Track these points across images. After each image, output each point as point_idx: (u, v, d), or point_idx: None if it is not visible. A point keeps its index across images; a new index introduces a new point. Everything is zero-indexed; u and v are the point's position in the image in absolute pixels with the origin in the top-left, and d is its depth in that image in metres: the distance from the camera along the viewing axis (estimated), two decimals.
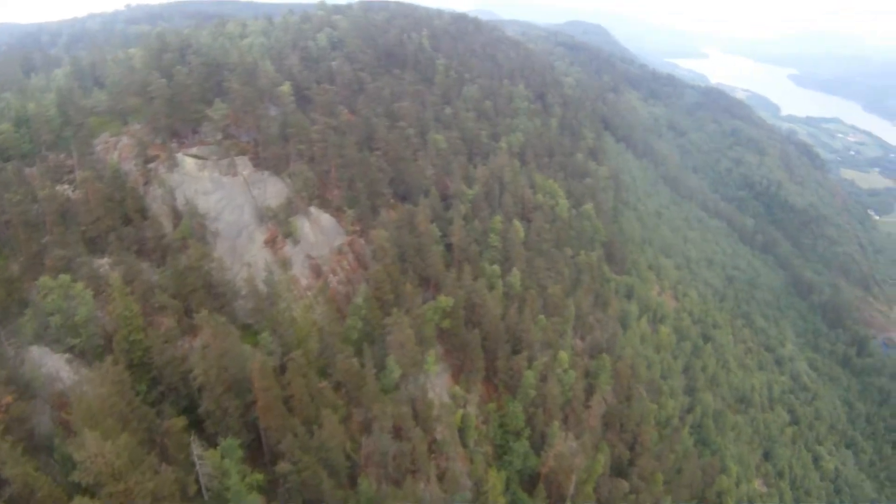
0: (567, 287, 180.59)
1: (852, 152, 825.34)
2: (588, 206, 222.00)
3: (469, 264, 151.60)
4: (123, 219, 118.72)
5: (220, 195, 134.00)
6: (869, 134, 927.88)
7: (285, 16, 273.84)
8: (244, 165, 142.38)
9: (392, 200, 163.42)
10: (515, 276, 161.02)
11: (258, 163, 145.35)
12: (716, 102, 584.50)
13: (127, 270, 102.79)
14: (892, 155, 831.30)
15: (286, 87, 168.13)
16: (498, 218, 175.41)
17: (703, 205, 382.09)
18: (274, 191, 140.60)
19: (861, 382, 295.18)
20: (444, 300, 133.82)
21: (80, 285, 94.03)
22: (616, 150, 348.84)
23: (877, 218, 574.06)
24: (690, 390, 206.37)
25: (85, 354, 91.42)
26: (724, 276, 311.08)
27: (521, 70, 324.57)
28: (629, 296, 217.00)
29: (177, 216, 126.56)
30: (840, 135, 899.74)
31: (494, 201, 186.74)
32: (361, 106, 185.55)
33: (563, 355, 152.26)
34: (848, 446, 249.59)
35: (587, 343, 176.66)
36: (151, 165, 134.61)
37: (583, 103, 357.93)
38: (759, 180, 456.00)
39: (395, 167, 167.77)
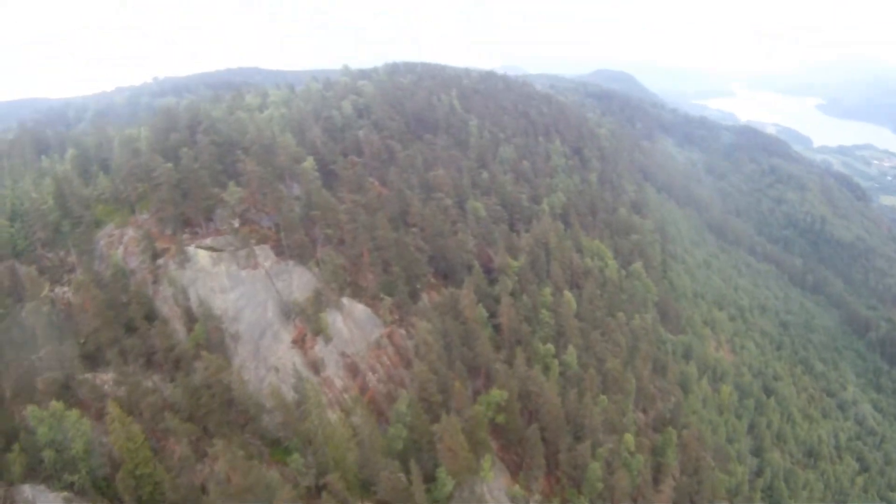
0: (625, 356, 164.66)
1: (889, 178, 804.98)
2: (637, 265, 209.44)
3: (521, 346, 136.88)
4: (128, 326, 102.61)
5: (239, 292, 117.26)
6: None
7: (309, 83, 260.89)
8: (265, 255, 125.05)
9: (433, 280, 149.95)
10: (571, 355, 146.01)
11: (281, 251, 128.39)
12: (751, 141, 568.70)
13: (132, 390, 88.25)
14: None
15: (309, 163, 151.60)
16: (547, 290, 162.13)
17: (751, 249, 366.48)
18: (300, 282, 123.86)
19: None
20: (498, 393, 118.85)
21: (74, 413, 79.61)
22: (658, 201, 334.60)
23: None
24: (758, 450, 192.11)
25: (86, 491, 77.29)
26: (779, 322, 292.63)
27: (556, 125, 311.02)
28: (687, 356, 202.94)
29: (190, 319, 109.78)
30: (875, 161, 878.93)
31: (542, 270, 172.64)
32: (393, 177, 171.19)
33: (629, 437, 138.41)
34: None
35: (650, 416, 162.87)
36: (160, 261, 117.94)
37: (620, 154, 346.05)
38: (802, 217, 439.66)
39: (434, 243, 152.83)
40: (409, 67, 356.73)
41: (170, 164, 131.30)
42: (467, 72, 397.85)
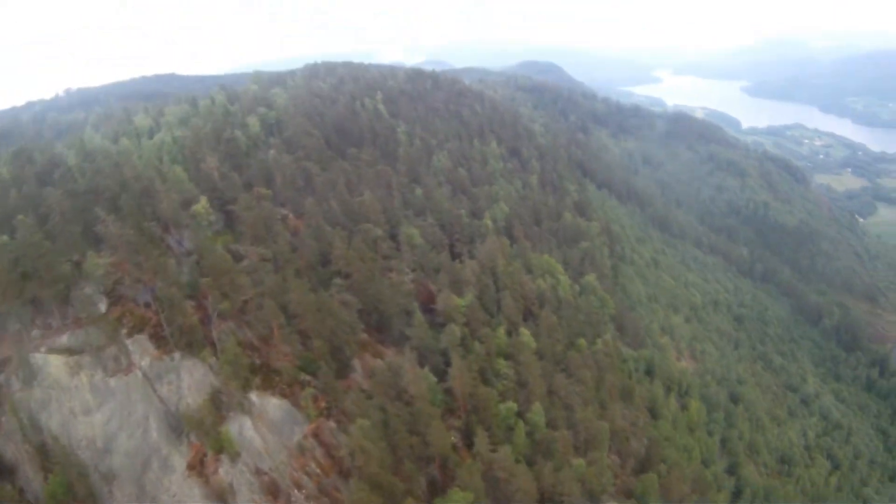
0: (592, 392, 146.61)
1: (821, 156, 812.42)
2: (590, 277, 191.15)
3: (478, 417, 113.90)
4: None
5: (108, 410, 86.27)
6: (832, 135, 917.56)
7: (213, 95, 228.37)
8: (142, 350, 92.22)
9: (366, 337, 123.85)
10: (538, 412, 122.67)
11: (163, 340, 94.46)
12: (687, 128, 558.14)
13: None
14: (861, 153, 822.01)
15: (202, 206, 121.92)
16: (501, 330, 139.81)
17: (697, 241, 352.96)
18: (192, 382, 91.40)
19: (890, 405, 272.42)
20: (460, 496, 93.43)
21: None
22: (600, 199, 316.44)
23: (862, 221, 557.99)
24: (732, 466, 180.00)
25: None
26: (732, 317, 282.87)
27: (490, 124, 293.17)
28: (650, 372, 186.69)
29: (47, 459, 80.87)
30: (806, 140, 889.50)
31: (492, 304, 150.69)
32: (310, 210, 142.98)
33: None
34: (892, 479, 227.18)
35: (625, 458, 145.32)
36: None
37: (557, 152, 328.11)
38: (744, 204, 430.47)
39: (364, 292, 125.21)
40: (330, 69, 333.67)
41: (4, 237, 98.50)
42: (393, 71, 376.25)
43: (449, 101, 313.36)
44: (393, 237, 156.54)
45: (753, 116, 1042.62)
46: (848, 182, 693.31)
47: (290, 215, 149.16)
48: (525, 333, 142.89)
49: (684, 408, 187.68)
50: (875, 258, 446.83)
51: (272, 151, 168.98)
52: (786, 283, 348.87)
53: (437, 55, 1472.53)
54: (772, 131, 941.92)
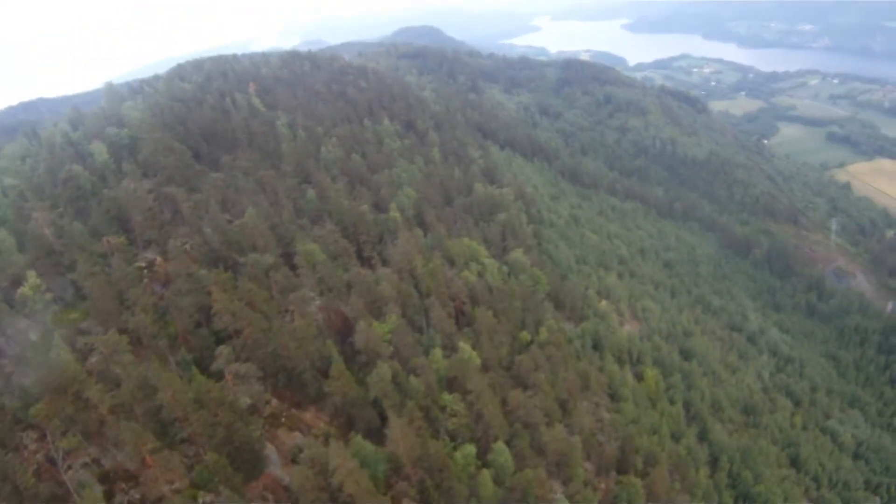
0: (549, 397, 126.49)
1: (713, 83, 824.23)
2: (516, 253, 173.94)
3: (434, 481, 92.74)
4: None
5: None
6: (721, 61, 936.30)
7: (57, 124, 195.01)
8: None
9: (276, 403, 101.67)
10: (501, 452, 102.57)
11: None
12: (579, 74, 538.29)
13: None
14: (752, 75, 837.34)
15: (30, 284, 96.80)
16: (438, 353, 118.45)
17: (611, 188, 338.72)
18: None
19: (836, 328, 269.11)
20: None
21: None
22: (506, 160, 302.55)
23: (766, 142, 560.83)
24: (702, 433, 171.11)
25: None
26: (662, 264, 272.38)
27: (379, 100, 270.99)
28: (598, 346, 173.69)
29: None
30: (695, 69, 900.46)
31: (419, 319, 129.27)
32: (175, 252, 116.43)
33: None
34: (851, 405, 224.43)
35: (597, 461, 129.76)
36: None
37: (454, 117, 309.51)
38: (651, 143, 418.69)
39: (260, 353, 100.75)
40: (197, 66, 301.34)
41: None
42: (266, 58, 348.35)
43: (331, 82, 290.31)
44: (288, 260, 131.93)
45: (639, 52, 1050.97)
46: (744, 105, 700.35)
47: (158, 260, 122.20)
48: (465, 349, 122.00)
49: (640, 379, 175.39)
50: (789, 179, 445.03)
51: (125, 182, 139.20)
52: (707, 218, 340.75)
53: (312, 34, 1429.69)
54: (660, 64, 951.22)
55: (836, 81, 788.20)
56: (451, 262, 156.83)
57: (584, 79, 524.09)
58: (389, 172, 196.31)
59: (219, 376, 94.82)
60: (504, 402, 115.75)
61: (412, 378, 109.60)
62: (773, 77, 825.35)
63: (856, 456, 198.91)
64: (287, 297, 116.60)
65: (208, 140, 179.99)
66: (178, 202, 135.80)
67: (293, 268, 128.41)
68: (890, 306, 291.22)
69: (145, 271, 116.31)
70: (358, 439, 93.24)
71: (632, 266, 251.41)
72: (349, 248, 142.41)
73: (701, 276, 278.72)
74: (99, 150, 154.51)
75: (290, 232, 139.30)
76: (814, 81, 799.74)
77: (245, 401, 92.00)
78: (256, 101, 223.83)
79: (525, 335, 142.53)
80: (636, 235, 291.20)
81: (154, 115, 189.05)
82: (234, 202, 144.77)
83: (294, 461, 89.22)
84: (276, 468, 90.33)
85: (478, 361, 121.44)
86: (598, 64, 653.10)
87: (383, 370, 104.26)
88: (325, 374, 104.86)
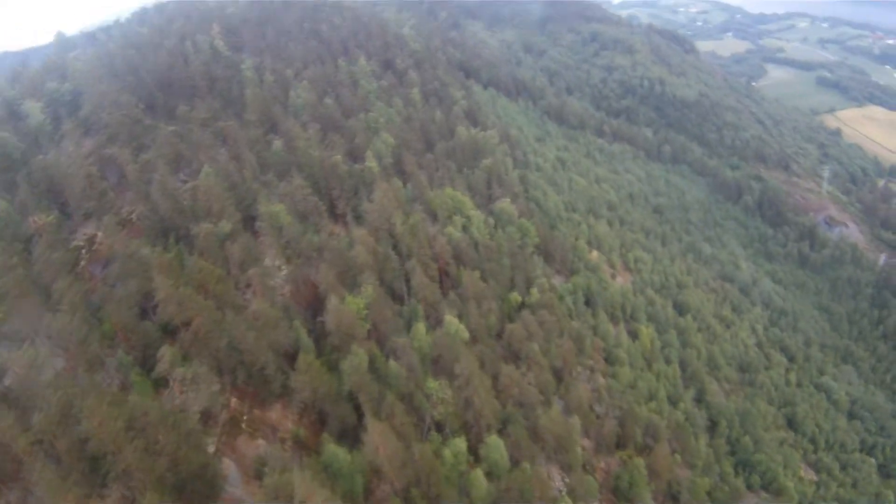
0: (545, 368, 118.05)
1: (699, 23, 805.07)
2: (503, 203, 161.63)
3: (420, 488, 79.99)
4: None
5: None
6: (707, 0, 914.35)
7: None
8: None
9: (235, 402, 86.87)
10: (495, 447, 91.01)
11: None
12: (565, 10, 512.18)
13: None
14: (739, 16, 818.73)
15: None
16: (421, 327, 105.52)
17: (598, 130, 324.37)
18: None
19: (828, 280, 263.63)
20: None
21: None
22: (489, 99, 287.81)
23: (754, 84, 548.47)
24: (699, 393, 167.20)
25: None
26: (652, 210, 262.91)
27: (355, 38, 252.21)
28: (590, 302, 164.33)
29: None
30: (682, 8, 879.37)
31: (400, 289, 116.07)
32: (109, 228, 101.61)
33: None
34: (845, 360, 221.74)
35: (598, 436, 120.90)
36: None
37: (435, 56, 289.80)
38: (638, 83, 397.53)
39: (214, 347, 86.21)
40: (160, 9, 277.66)
41: None
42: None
43: (303, 20, 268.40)
44: (250, 224, 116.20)
45: None
46: (732, 46, 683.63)
47: (99, 236, 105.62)
48: (451, 321, 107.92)
49: (635, 337, 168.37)
50: (779, 123, 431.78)
51: (64, 144, 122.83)
52: (698, 161, 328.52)
53: None
54: (646, 2, 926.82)
55: (825, 25, 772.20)
56: (434, 217, 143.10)
57: (569, 15, 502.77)
58: (365, 117, 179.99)
59: (165, 382, 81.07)
60: (495, 381, 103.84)
61: (392, 363, 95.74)
62: (762, 18, 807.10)
63: (850, 415, 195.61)
64: (246, 273, 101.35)
65: (164, 90, 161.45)
66: (121, 166, 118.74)
67: (256, 234, 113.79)
68: (882, 258, 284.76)
69: (83, 251, 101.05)
70: (331, 448, 79.88)
71: (621, 212, 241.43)
72: (320, 206, 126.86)
73: (692, 223, 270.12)
74: (33, 109, 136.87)
75: (253, 191, 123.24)
76: (803, 24, 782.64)
77: (195, 412, 77.83)
78: (220, 44, 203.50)
79: (515, 297, 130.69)
80: (625, 179, 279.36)
81: (101, 64, 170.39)
82: (189, 160, 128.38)
83: (257, 477, 75.22)
84: (237, 486, 76.55)
85: (465, 335, 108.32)
86: (584, 0, 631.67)
87: (358, 358, 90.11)
88: (292, 361, 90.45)
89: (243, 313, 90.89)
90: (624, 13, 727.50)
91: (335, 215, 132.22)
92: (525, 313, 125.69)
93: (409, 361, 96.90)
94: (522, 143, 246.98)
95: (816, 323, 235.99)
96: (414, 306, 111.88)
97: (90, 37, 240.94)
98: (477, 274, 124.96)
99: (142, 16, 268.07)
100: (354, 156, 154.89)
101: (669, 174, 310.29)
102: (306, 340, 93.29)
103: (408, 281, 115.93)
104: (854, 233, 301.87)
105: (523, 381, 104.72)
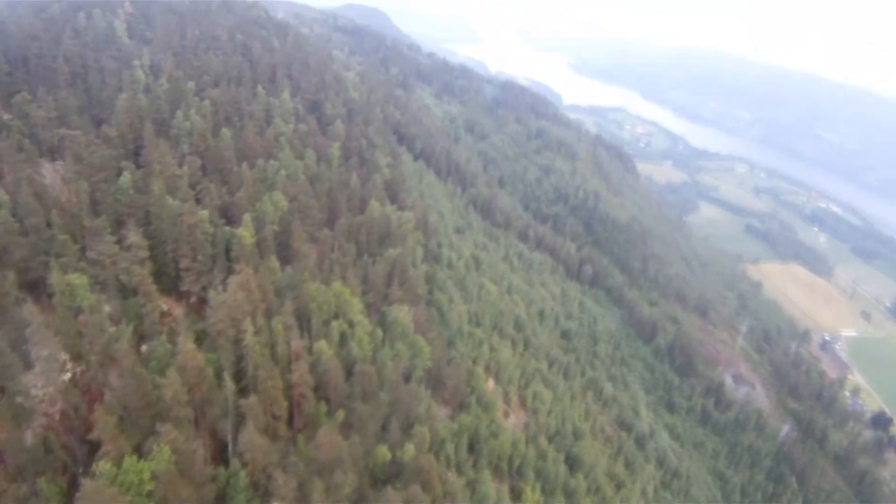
0: None
1: (642, 144, 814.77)
2: (399, 310, 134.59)
3: None
4: None
5: None
6: (654, 124, 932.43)
7: None
8: None
9: None
10: None
11: None
12: (517, 99, 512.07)
13: None
14: (681, 147, 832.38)
15: None
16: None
17: (522, 233, 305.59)
18: None
19: (727, 443, 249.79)
20: None
21: None
22: (417, 173, 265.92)
23: (684, 219, 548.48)
24: None
25: None
26: (560, 333, 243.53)
27: (288, 67, 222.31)
28: (474, 449, 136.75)
29: None
30: (628, 126, 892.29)
31: (225, 435, 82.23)
32: None
33: None
34: None
35: None
36: None
37: (372, 110, 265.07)
38: (573, 192, 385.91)
39: None
40: None
41: None
42: None
43: (238, 30, 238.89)
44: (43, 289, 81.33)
45: (577, 93, 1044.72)
46: (669, 174, 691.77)
47: None
48: None
49: (517, 497, 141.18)
50: (705, 265, 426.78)
51: None
52: (616, 289, 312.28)
53: None
54: (594, 111, 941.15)
55: (762, 175, 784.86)
56: (306, 321, 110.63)
57: (520, 105, 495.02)
58: (264, 164, 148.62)
59: None
60: None
61: None
62: (703, 154, 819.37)
63: None
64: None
65: (18, 65, 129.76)
66: None
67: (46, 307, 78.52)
68: (785, 430, 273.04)
69: None
70: None
71: (528, 333, 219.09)
72: (149, 282, 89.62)
73: (598, 357, 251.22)
74: None
75: (52, 245, 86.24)
76: (741, 169, 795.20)
77: None
78: (121, 26, 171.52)
79: (384, 453, 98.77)
80: (539, 294, 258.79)
81: None
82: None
83: None
84: None
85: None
86: (538, 94, 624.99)
87: None
88: None
89: None
90: (571, 116, 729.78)
91: (178, 292, 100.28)
92: (388, 492, 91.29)
93: None
94: (440, 232, 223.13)
95: (710, 490, 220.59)
96: (235, 472, 75.08)
97: None
98: (340, 417, 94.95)
99: None
100: (229, 215, 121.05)
101: (585, 297, 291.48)
102: None
103: (237, 428, 78.84)
104: (761, 396, 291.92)
105: None
